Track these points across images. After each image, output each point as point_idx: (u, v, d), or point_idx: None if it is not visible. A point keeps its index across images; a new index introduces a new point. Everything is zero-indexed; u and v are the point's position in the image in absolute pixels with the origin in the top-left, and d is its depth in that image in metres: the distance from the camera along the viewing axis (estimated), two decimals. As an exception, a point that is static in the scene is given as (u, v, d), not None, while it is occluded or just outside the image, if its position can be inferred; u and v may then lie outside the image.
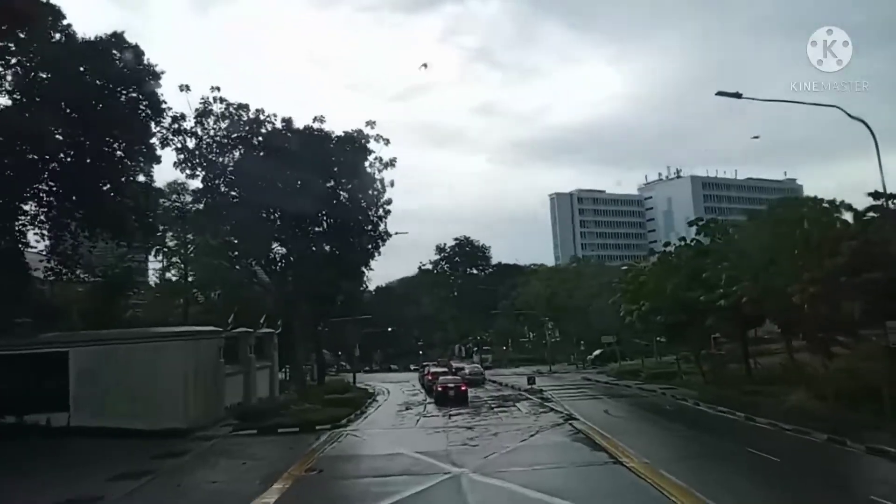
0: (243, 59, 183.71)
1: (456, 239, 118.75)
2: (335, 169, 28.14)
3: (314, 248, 29.72)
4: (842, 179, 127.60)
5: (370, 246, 30.41)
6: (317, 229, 29.58)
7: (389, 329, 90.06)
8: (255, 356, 32.44)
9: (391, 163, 28.89)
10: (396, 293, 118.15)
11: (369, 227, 29.53)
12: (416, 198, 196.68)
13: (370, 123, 28.48)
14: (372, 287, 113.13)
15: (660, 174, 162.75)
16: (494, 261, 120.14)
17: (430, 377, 40.99)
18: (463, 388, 33.88)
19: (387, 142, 28.66)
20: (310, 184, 26.56)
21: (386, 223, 29.76)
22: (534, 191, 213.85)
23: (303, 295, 30.59)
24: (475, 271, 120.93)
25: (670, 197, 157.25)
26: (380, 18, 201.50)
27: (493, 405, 31.88)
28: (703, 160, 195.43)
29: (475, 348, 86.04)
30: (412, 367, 72.47)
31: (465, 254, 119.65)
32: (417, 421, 27.09)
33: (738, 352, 33.58)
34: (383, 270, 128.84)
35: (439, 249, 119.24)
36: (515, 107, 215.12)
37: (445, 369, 48.70)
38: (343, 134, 28.30)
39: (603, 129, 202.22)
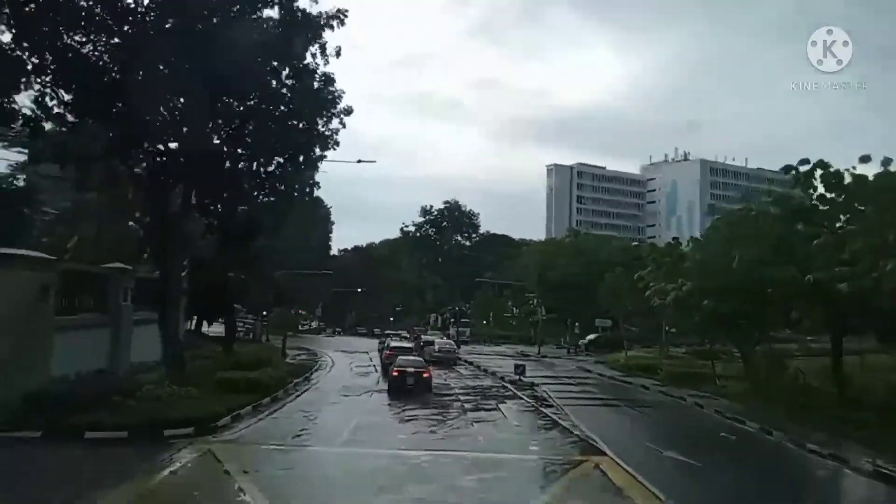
0: None
1: (445, 202, 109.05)
2: (253, 32, 17.04)
3: (224, 151, 19.17)
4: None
5: (303, 156, 19.27)
6: (222, 123, 18.72)
7: (359, 290, 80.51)
8: (132, 305, 22.66)
9: (339, 16, 17.54)
10: (377, 254, 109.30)
11: (303, 124, 18.68)
12: (409, 166, 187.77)
13: None
14: (349, 245, 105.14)
15: (666, 155, 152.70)
16: (483, 229, 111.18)
17: (388, 353, 31.62)
18: (426, 375, 24.52)
19: None
20: (208, 49, 15.81)
21: (329, 121, 18.85)
22: (529, 169, 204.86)
23: (192, 217, 19.85)
24: (461, 238, 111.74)
25: (675, 180, 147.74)
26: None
27: (467, 406, 22.26)
28: (707, 151, 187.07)
29: (452, 319, 76.79)
30: (386, 333, 63.18)
31: (453, 219, 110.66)
32: (349, 427, 17.17)
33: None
34: (365, 233, 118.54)
35: (425, 211, 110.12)
36: (517, 84, 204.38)
37: (412, 343, 39.41)
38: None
39: (604, 113, 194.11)
